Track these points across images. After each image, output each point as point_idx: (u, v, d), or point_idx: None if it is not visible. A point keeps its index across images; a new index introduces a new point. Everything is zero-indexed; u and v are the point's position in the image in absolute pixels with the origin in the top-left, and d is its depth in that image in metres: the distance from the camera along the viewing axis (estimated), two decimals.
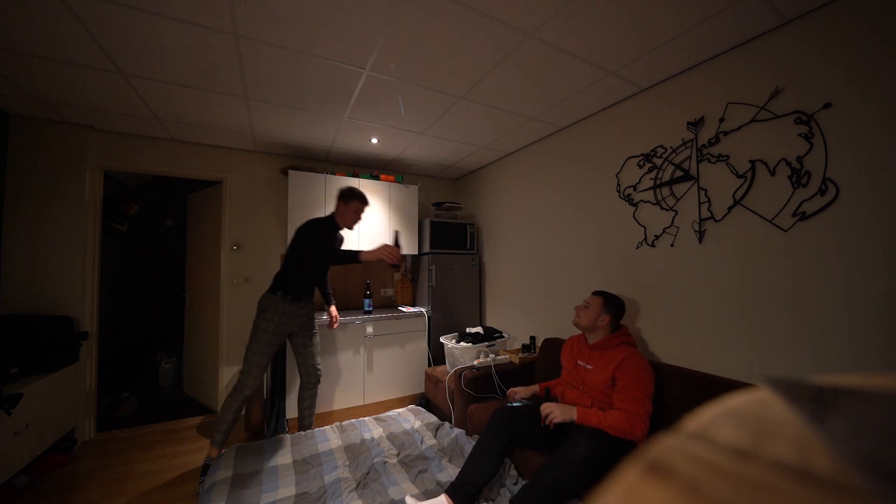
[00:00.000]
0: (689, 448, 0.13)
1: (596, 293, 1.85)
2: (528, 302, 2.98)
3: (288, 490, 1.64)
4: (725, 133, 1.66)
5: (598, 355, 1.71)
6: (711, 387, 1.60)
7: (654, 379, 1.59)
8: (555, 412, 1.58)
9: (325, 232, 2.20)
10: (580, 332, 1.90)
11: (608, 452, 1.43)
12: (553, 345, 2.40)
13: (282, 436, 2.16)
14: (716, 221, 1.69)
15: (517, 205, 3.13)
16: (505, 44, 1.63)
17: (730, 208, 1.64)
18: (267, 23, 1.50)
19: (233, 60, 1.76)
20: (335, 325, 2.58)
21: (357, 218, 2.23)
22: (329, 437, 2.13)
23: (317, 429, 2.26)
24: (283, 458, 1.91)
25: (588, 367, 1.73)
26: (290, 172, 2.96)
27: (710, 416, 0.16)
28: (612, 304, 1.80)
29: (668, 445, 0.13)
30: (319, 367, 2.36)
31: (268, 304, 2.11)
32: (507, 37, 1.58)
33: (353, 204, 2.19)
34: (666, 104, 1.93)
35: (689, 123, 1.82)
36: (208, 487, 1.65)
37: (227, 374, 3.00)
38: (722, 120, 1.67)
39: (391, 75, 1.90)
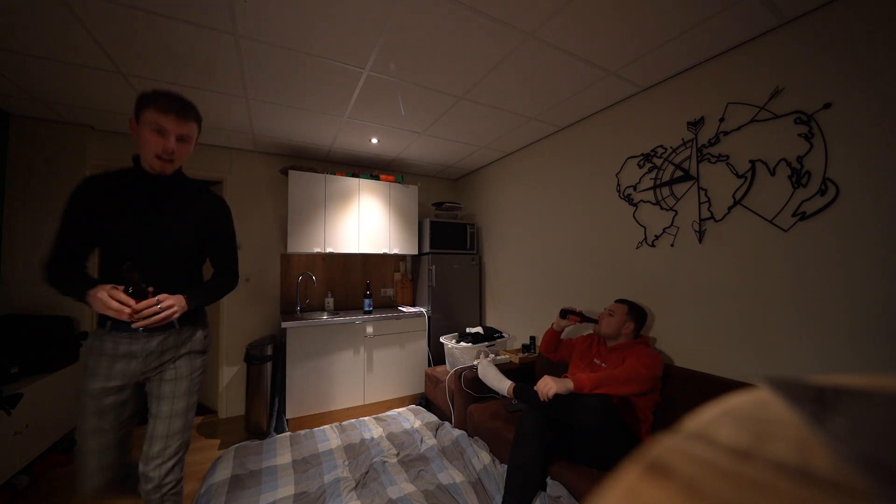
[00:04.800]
0: (689, 448, 0.13)
1: (620, 301, 1.90)
2: (527, 302, 2.98)
3: (287, 490, 1.64)
4: (725, 133, 1.66)
5: (614, 356, 1.77)
6: (711, 387, 1.60)
7: (661, 366, 1.65)
8: (550, 384, 1.58)
9: (91, 196, 1.17)
10: (586, 333, 1.93)
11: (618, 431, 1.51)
12: None
13: (281, 435, 2.16)
14: (716, 221, 1.69)
15: (517, 205, 3.13)
16: (505, 44, 1.63)
17: (730, 208, 1.64)
18: (267, 22, 1.50)
19: (233, 60, 1.76)
20: (137, 311, 1.09)
21: (163, 143, 1.13)
22: (329, 437, 2.13)
23: (316, 428, 2.26)
24: (283, 457, 1.91)
25: (603, 365, 1.78)
26: (290, 172, 2.96)
27: (710, 416, 0.16)
28: (637, 313, 1.84)
29: (667, 445, 0.13)
30: (171, 465, 1.23)
31: (84, 349, 1.29)
32: (507, 37, 1.58)
33: (146, 116, 1.11)
34: (666, 104, 1.93)
35: (689, 123, 1.81)
36: (206, 489, 1.65)
37: (227, 375, 3.00)
38: (722, 120, 1.67)
39: (391, 75, 1.90)
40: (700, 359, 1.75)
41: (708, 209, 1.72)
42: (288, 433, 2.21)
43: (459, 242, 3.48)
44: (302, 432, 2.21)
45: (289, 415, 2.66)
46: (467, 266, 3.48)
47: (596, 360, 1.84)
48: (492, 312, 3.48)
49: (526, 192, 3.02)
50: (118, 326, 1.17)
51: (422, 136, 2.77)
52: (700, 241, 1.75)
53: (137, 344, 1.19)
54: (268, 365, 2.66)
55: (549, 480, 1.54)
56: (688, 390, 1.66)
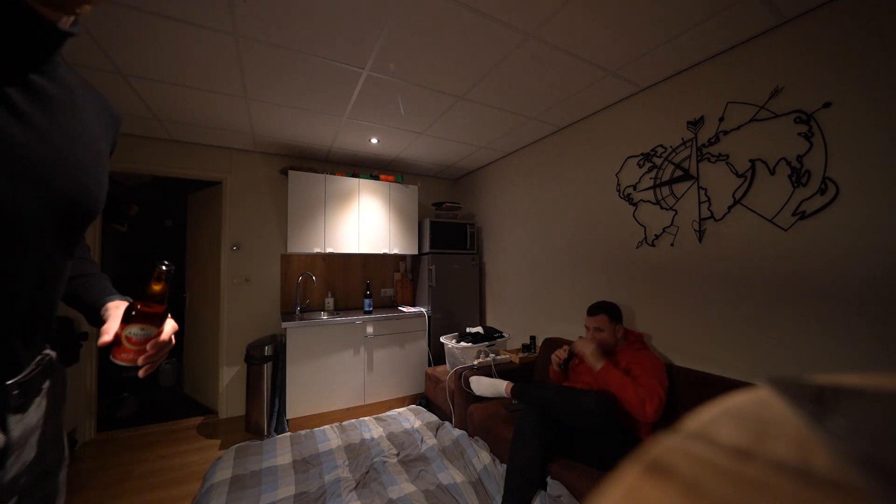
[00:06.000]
0: (689, 448, 0.13)
1: (597, 311, 1.84)
2: (528, 302, 2.98)
3: (287, 490, 1.64)
4: (725, 132, 1.66)
5: (615, 359, 1.74)
6: (712, 386, 1.60)
7: (667, 375, 1.64)
8: (586, 350, 1.65)
9: None
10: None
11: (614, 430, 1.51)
12: (554, 345, 2.40)
13: (282, 435, 2.16)
14: (716, 221, 1.69)
15: (517, 204, 3.13)
16: (504, 44, 1.63)
17: (730, 208, 1.64)
18: (266, 23, 1.50)
19: (232, 60, 1.76)
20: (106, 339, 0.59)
21: None
22: (329, 437, 2.13)
23: (317, 428, 2.27)
24: (283, 457, 1.91)
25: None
26: (290, 173, 2.96)
27: (710, 416, 0.16)
28: (615, 313, 1.83)
29: (667, 445, 0.13)
30: None
31: None
32: (507, 37, 1.58)
33: None
34: (666, 104, 1.93)
35: (688, 123, 1.81)
36: (207, 489, 1.65)
37: (227, 375, 3.00)
38: (722, 119, 1.67)
39: (391, 75, 1.90)
40: (701, 358, 1.75)
41: (708, 209, 1.72)
42: (288, 433, 2.21)
43: (459, 242, 3.48)
44: (302, 432, 2.21)
45: (289, 415, 2.66)
46: (467, 266, 3.48)
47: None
48: (492, 312, 3.48)
49: (526, 192, 3.02)
50: None
51: (422, 136, 2.77)
52: (700, 240, 1.75)
53: None
54: (268, 365, 2.66)
55: (549, 480, 1.54)
56: (688, 390, 1.66)
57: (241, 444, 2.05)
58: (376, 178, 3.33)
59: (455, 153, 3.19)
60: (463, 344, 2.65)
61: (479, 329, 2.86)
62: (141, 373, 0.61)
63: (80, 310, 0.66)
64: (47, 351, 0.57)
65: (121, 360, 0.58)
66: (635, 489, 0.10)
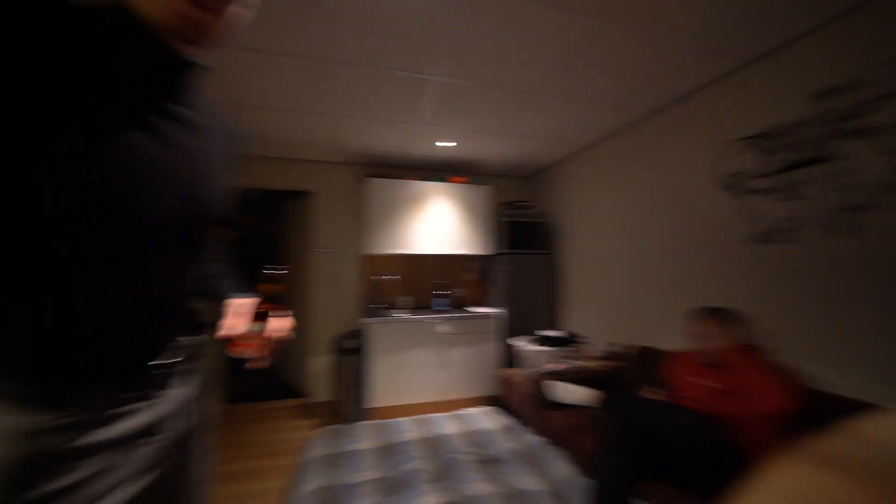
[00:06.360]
0: (862, 451, 0.11)
1: (708, 315, 1.64)
2: (610, 305, 2.76)
3: (371, 473, 1.77)
4: (871, 102, 1.34)
5: (721, 373, 1.52)
6: (850, 410, 1.30)
7: (789, 384, 1.41)
8: (712, 332, 1.55)
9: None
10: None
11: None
12: (651, 355, 2.16)
13: (365, 422, 2.33)
14: (857, 211, 1.38)
15: (597, 200, 2.93)
16: (576, 32, 1.54)
17: (879, 194, 1.32)
18: (346, 43, 1.63)
19: (320, 82, 1.96)
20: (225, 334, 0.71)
21: None
22: (407, 429, 2.24)
23: (396, 419, 2.39)
24: (366, 443, 2.06)
25: (710, 384, 1.55)
26: (370, 179, 3.18)
27: (876, 425, 0.13)
28: (730, 317, 1.61)
29: (836, 445, 0.11)
30: None
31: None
32: (579, 24, 1.49)
33: None
34: (782, 75, 1.63)
35: (816, 94, 1.51)
36: (306, 462, 1.85)
37: (316, 364, 3.31)
38: (864, 86, 1.36)
39: (464, 79, 1.93)
40: (837, 380, 1.43)
41: (846, 196, 1.41)
42: (370, 421, 2.38)
43: (533, 242, 3.38)
44: (382, 422, 2.36)
45: (369, 405, 2.85)
46: (541, 266, 3.36)
47: (696, 379, 1.61)
48: (569, 315, 3.30)
49: (607, 186, 2.81)
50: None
51: (494, 135, 2.76)
52: (834, 234, 1.44)
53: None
54: (351, 357, 2.89)
55: (637, 501, 1.40)
56: (818, 410, 1.37)
57: (331, 426, 2.26)
58: (449, 180, 3.41)
59: (528, 150, 3.12)
60: (538, 347, 2.57)
61: (555, 332, 2.75)
62: (252, 364, 0.70)
63: (207, 306, 0.75)
64: (186, 338, 0.65)
65: (235, 352, 0.68)
66: (812, 480, 0.09)
